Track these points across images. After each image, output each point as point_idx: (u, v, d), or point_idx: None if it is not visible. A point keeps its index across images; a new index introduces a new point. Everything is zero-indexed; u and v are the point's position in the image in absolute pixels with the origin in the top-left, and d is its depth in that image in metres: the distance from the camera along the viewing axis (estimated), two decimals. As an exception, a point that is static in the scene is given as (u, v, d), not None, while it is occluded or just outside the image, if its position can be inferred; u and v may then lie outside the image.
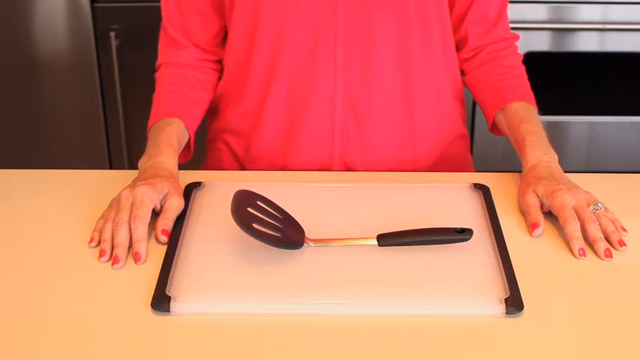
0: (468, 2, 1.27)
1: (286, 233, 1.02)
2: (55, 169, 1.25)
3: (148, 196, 1.06)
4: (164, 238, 1.04)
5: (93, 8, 2.15)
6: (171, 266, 0.98)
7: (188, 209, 1.11)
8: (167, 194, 1.08)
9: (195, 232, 1.06)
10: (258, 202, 1.03)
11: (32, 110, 2.27)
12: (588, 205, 1.08)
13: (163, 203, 1.07)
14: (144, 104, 2.25)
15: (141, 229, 1.03)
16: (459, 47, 1.32)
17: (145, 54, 2.15)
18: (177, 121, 1.24)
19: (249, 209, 1.01)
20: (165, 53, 1.32)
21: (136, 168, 1.18)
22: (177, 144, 1.21)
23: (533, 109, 1.25)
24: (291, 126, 1.27)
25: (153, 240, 1.05)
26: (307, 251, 1.02)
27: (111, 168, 2.32)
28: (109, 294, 0.96)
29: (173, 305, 0.92)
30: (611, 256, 1.03)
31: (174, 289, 0.95)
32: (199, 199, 1.14)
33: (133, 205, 1.05)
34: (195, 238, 1.05)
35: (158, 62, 1.33)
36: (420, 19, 1.23)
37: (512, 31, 1.32)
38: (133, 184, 1.08)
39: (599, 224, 1.06)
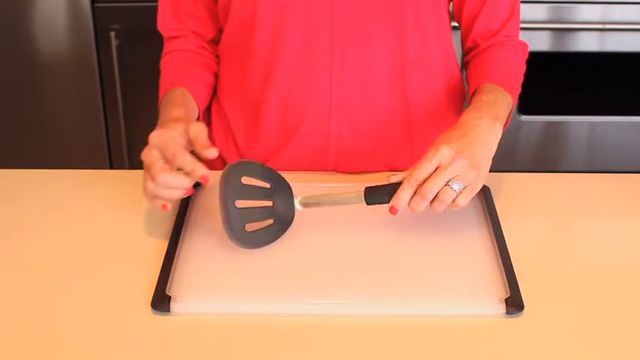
0: (474, 14, 1.25)
1: (277, 211, 1.04)
2: (55, 169, 1.25)
3: (165, 136, 1.02)
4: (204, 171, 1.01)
5: (93, 8, 2.15)
6: (171, 266, 0.98)
7: (188, 209, 1.11)
8: (184, 129, 1.04)
9: (196, 232, 1.06)
10: (243, 181, 1.03)
11: (32, 110, 2.27)
12: (450, 175, 0.99)
13: (187, 138, 1.03)
14: (144, 104, 2.25)
15: (187, 158, 1.00)
16: (466, 53, 1.31)
17: (145, 54, 2.15)
18: (184, 89, 1.22)
19: (237, 205, 1.01)
20: (167, 46, 1.31)
21: (136, 168, 1.17)
22: (182, 101, 1.18)
23: (502, 90, 1.18)
24: (285, 138, 1.26)
25: (153, 240, 1.05)
26: (308, 252, 1.02)
27: (111, 168, 2.32)
28: (109, 294, 0.96)
29: (173, 305, 0.92)
30: (393, 212, 1.00)
31: (174, 289, 0.95)
32: (199, 199, 1.14)
33: (161, 151, 1.01)
34: (196, 238, 1.05)
35: (162, 53, 1.31)
36: (416, 31, 1.21)
37: (521, 39, 1.28)
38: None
39: (434, 196, 0.99)
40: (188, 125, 1.04)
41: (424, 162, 1.00)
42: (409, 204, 1.01)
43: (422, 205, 1.00)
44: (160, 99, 1.23)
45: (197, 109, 1.22)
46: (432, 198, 1.00)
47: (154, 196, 1.03)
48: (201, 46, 1.30)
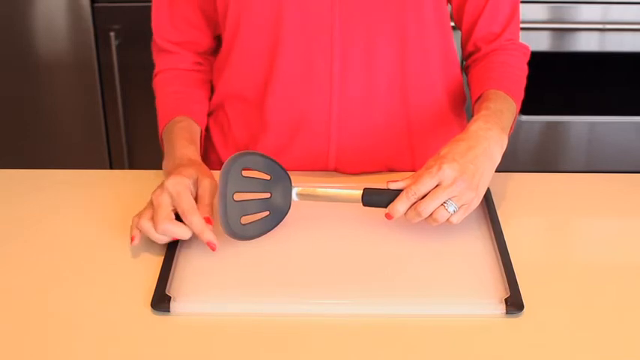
0: (475, 17, 1.25)
1: (274, 202, 1.05)
2: (55, 169, 1.25)
3: (181, 186, 1.02)
4: (210, 227, 1.01)
5: (93, 8, 2.15)
6: (171, 266, 0.98)
7: (188, 209, 1.11)
8: (197, 179, 1.05)
9: (195, 232, 1.06)
10: (243, 174, 1.03)
11: (32, 110, 2.27)
12: (447, 196, 1.00)
13: (197, 190, 1.04)
14: (144, 104, 2.25)
15: (196, 219, 1.00)
16: (467, 57, 1.31)
17: (145, 54, 2.13)
18: (186, 118, 1.22)
19: (235, 198, 1.02)
20: (160, 62, 1.31)
21: (136, 168, 1.18)
22: (190, 136, 1.18)
23: (507, 97, 1.18)
24: (286, 139, 1.25)
25: (153, 240, 1.05)
26: (308, 252, 1.02)
27: (111, 168, 2.32)
28: (109, 294, 0.96)
29: (173, 305, 0.92)
30: (388, 218, 1.01)
31: (174, 289, 0.95)
32: (199, 199, 1.14)
33: (173, 201, 1.01)
34: (196, 238, 1.05)
35: (155, 72, 1.31)
36: (417, 32, 1.20)
37: (522, 42, 1.28)
38: (161, 184, 1.04)
39: (429, 212, 1.00)
40: (202, 178, 1.04)
41: (426, 177, 1.00)
42: (405, 214, 1.01)
43: (417, 219, 1.01)
44: (161, 127, 1.22)
45: (200, 133, 1.23)
46: (427, 216, 1.01)
47: (139, 230, 1.01)
48: (197, 62, 1.30)
